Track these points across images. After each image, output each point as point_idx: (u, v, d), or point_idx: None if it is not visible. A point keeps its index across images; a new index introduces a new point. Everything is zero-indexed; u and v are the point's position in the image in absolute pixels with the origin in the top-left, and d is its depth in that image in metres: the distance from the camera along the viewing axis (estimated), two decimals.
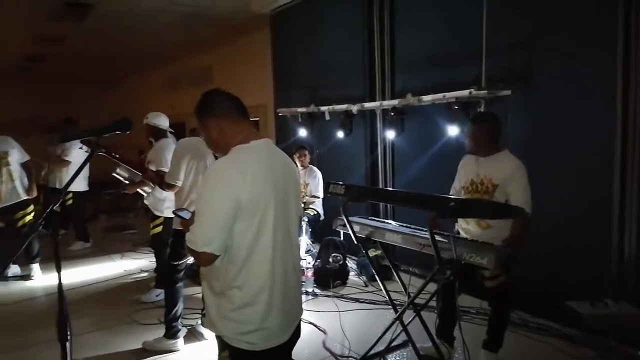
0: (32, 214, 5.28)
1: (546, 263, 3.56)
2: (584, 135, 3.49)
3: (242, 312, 1.66)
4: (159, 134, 4.22)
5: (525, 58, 3.85)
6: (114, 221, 8.47)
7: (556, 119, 3.64)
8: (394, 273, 3.22)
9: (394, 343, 2.88)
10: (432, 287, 2.79)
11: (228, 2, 6.38)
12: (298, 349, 1.91)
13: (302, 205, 5.01)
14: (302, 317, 1.94)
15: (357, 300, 4.31)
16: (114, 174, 4.32)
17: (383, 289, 3.11)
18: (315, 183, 5.56)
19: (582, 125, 3.49)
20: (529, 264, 3.13)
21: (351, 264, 5.14)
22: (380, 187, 5.25)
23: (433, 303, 3.04)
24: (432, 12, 4.66)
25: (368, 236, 3.00)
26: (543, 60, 3.73)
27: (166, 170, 3.61)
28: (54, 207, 2.02)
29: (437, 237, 2.51)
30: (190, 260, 3.58)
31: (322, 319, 3.87)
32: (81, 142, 5.45)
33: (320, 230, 5.50)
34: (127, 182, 4.31)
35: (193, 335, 3.64)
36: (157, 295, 4.40)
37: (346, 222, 3.02)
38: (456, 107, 3.97)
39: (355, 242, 3.09)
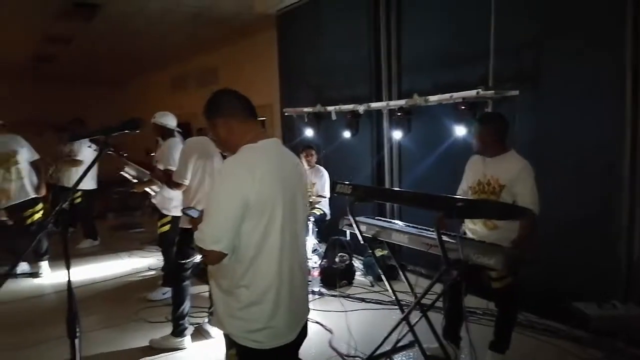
0: (41, 212, 5.33)
1: (554, 264, 3.55)
2: (592, 135, 3.47)
3: (249, 310, 1.67)
4: (167, 133, 4.24)
5: (532, 58, 3.83)
6: (121, 220, 8.53)
7: (564, 119, 3.62)
8: (401, 273, 3.22)
9: (401, 343, 2.88)
10: (438, 287, 2.79)
11: (232, 3, 6.41)
12: (304, 348, 1.92)
13: (309, 204, 5.03)
14: (309, 316, 1.95)
15: (363, 300, 4.31)
16: (122, 173, 4.35)
17: (390, 289, 3.11)
18: (321, 183, 5.57)
19: (591, 126, 3.47)
20: (536, 265, 3.12)
21: (357, 263, 5.14)
22: (387, 187, 5.25)
23: (439, 304, 3.04)
24: (438, 12, 4.65)
25: (375, 236, 3.00)
26: (551, 61, 3.71)
27: (174, 169, 3.63)
28: (63, 206, 2.05)
29: (444, 238, 2.51)
30: (197, 258, 3.60)
31: (328, 318, 3.88)
32: (90, 141, 5.50)
33: (327, 230, 5.50)
34: (135, 180, 4.34)
35: (200, 333, 3.66)
36: (164, 294, 4.43)
37: (353, 222, 3.03)
38: (463, 108, 3.96)
39: (362, 242, 3.10)
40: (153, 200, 4.41)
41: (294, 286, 1.75)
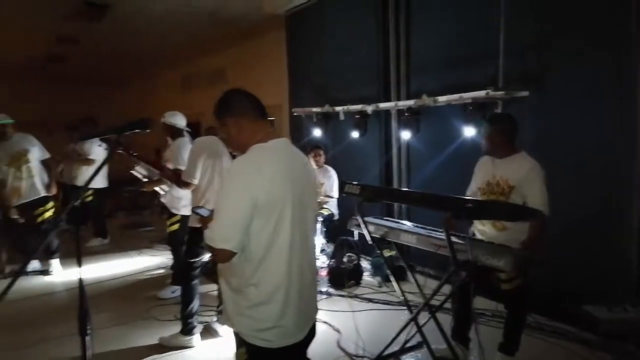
0: (52, 210, 5.39)
1: (563, 266, 3.52)
2: (602, 136, 3.44)
3: (258, 309, 1.68)
4: (176, 133, 4.27)
5: (542, 59, 3.80)
6: (131, 218, 8.60)
7: (574, 120, 3.59)
8: (409, 274, 3.21)
9: (409, 344, 2.88)
10: (446, 288, 2.78)
11: (241, 3, 6.42)
12: (312, 348, 1.92)
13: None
14: (317, 316, 1.95)
15: (371, 300, 4.31)
16: (132, 172, 4.39)
17: (398, 290, 3.11)
18: (330, 183, 5.57)
19: (601, 127, 3.44)
20: (545, 267, 3.10)
21: (365, 264, 5.14)
22: (395, 187, 5.24)
23: (448, 305, 3.03)
24: (447, 13, 4.63)
25: (383, 236, 3.00)
26: (561, 62, 3.68)
27: (183, 168, 3.65)
28: (75, 204, 2.07)
29: (453, 239, 2.50)
30: (206, 257, 3.62)
31: (336, 318, 3.88)
32: (101, 140, 5.54)
33: (335, 230, 5.51)
34: (145, 180, 4.38)
35: (208, 332, 3.67)
36: (172, 292, 4.46)
37: (361, 222, 3.03)
38: (471, 108, 3.94)
39: (370, 242, 3.10)
40: (162, 200, 4.44)
41: (303, 286, 1.76)
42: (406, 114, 4.66)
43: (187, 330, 3.49)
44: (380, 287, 4.66)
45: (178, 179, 3.63)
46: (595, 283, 3.44)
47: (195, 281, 3.54)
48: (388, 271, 3.75)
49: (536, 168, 2.77)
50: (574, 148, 3.58)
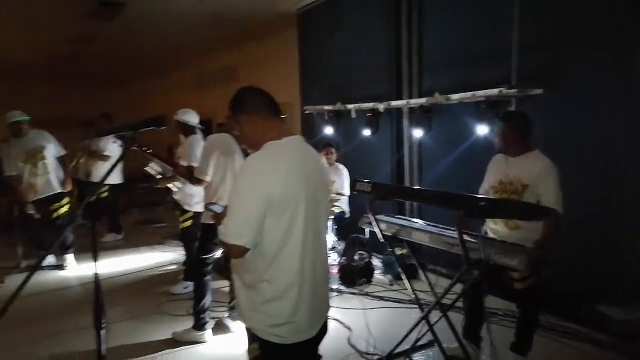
0: (67, 206, 5.47)
1: (577, 265, 3.49)
2: (617, 135, 3.39)
3: (271, 305, 1.69)
4: (189, 130, 4.31)
5: (556, 57, 3.76)
6: (144, 214, 8.68)
7: (588, 118, 3.54)
8: (421, 272, 3.21)
9: (420, 342, 2.87)
10: (457, 286, 2.77)
11: (254, 2, 6.44)
12: (323, 345, 1.93)
13: None
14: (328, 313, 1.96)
15: (382, 298, 4.31)
16: (146, 169, 4.44)
17: (410, 288, 3.10)
18: (341, 180, 5.58)
19: (616, 126, 3.40)
20: (559, 266, 3.07)
21: (376, 262, 5.13)
22: (407, 185, 5.22)
23: (460, 303, 3.02)
24: (460, 10, 4.60)
25: (395, 234, 3.00)
26: (575, 60, 3.63)
27: (196, 165, 3.68)
28: (91, 200, 2.10)
29: (465, 237, 2.49)
30: (218, 254, 3.64)
31: (347, 316, 3.89)
32: (116, 136, 5.60)
33: (346, 227, 5.51)
34: (159, 176, 4.42)
35: (220, 327, 3.71)
36: (185, 288, 4.50)
37: (373, 220, 3.03)
38: (484, 106, 3.92)
39: (382, 240, 3.09)
40: (175, 196, 4.48)
41: (315, 283, 1.76)
42: (418, 112, 4.64)
43: (199, 326, 3.52)
44: (391, 285, 4.66)
45: (191, 176, 3.66)
46: (611, 283, 3.40)
47: (208, 277, 3.57)
48: (399, 269, 3.75)
49: (550, 166, 2.75)
50: (590, 146, 3.53)
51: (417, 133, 4.83)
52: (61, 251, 5.46)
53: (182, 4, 6.44)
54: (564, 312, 3.62)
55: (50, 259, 5.47)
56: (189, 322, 3.60)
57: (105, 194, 6.55)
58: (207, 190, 3.57)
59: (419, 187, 5.03)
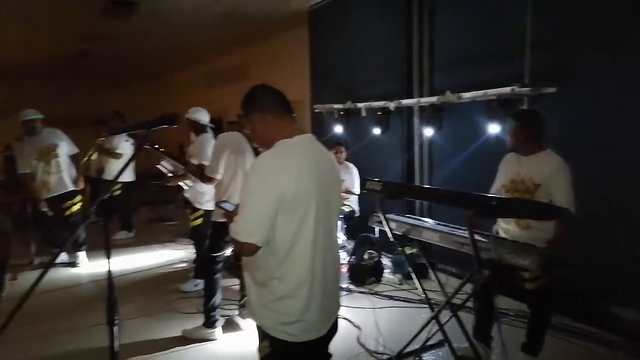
0: (79, 204, 5.53)
1: (590, 266, 3.45)
2: (633, 135, 3.34)
3: (282, 303, 1.70)
4: (200, 128, 4.32)
5: (570, 55, 3.71)
6: (155, 212, 8.75)
7: (604, 118, 3.50)
8: (431, 272, 3.19)
9: (430, 342, 2.86)
10: (468, 286, 2.75)
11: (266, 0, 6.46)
12: (333, 343, 1.93)
13: None
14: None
15: (391, 297, 4.30)
16: (158, 167, 4.47)
17: (420, 288, 3.09)
18: (351, 179, 5.57)
19: (632, 125, 3.35)
20: (571, 266, 3.04)
21: (386, 261, 5.12)
22: (417, 184, 5.20)
23: (470, 303, 3.00)
24: (472, 8, 4.57)
25: (405, 234, 2.99)
26: (589, 58, 3.58)
27: (207, 163, 3.70)
28: (104, 197, 2.12)
29: (476, 237, 2.47)
30: (229, 252, 3.66)
31: (356, 315, 3.88)
32: (128, 135, 5.64)
33: (355, 226, 5.50)
34: (170, 174, 4.45)
35: (230, 325, 3.72)
36: (195, 285, 4.53)
37: (383, 219, 3.02)
38: (496, 105, 3.88)
39: (392, 240, 3.08)
40: (186, 195, 4.51)
41: (326, 282, 1.76)
42: (429, 111, 4.61)
43: (210, 323, 3.54)
44: (401, 284, 4.65)
45: (202, 174, 3.68)
46: (625, 285, 3.36)
47: (218, 275, 3.59)
48: (409, 268, 3.74)
49: (562, 166, 2.72)
50: (604, 146, 3.48)
51: (428, 132, 4.81)
52: (74, 249, 5.52)
53: (196, 3, 6.47)
54: (575, 313, 3.58)
55: (63, 257, 5.52)
56: (199, 320, 3.63)
57: (118, 192, 6.60)
58: (217, 188, 3.59)
59: (429, 186, 5.01)
